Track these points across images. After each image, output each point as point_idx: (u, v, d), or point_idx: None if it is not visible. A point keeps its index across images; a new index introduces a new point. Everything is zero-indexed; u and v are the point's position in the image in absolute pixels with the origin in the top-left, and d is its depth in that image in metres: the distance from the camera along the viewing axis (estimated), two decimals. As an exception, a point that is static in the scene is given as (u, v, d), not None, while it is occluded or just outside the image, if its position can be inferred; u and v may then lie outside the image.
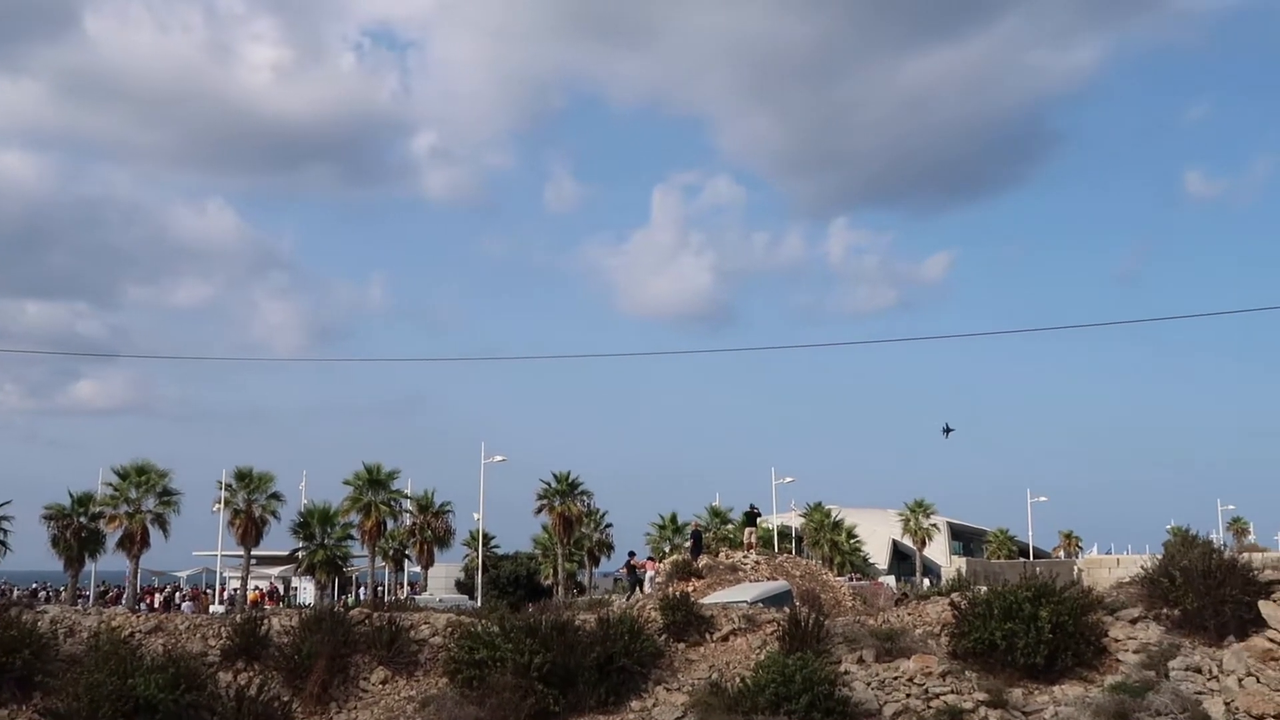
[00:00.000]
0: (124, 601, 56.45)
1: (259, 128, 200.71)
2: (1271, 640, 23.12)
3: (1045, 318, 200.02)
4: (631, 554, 45.75)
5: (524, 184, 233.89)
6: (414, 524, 69.89)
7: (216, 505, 60.32)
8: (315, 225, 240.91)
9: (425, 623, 27.27)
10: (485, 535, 71.22)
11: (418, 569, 77.21)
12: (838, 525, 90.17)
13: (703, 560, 39.38)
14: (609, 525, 74.82)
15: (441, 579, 78.60)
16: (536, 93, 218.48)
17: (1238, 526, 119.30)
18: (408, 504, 67.51)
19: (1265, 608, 23.68)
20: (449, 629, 26.60)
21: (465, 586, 73.86)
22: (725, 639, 25.98)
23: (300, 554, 62.02)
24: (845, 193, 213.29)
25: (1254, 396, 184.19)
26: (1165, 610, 24.79)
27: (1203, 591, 24.08)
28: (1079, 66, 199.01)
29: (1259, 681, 21.32)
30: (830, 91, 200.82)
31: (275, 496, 60.00)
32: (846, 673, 23.01)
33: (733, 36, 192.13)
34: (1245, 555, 28.55)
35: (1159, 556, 28.79)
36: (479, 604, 54.14)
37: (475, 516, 68.68)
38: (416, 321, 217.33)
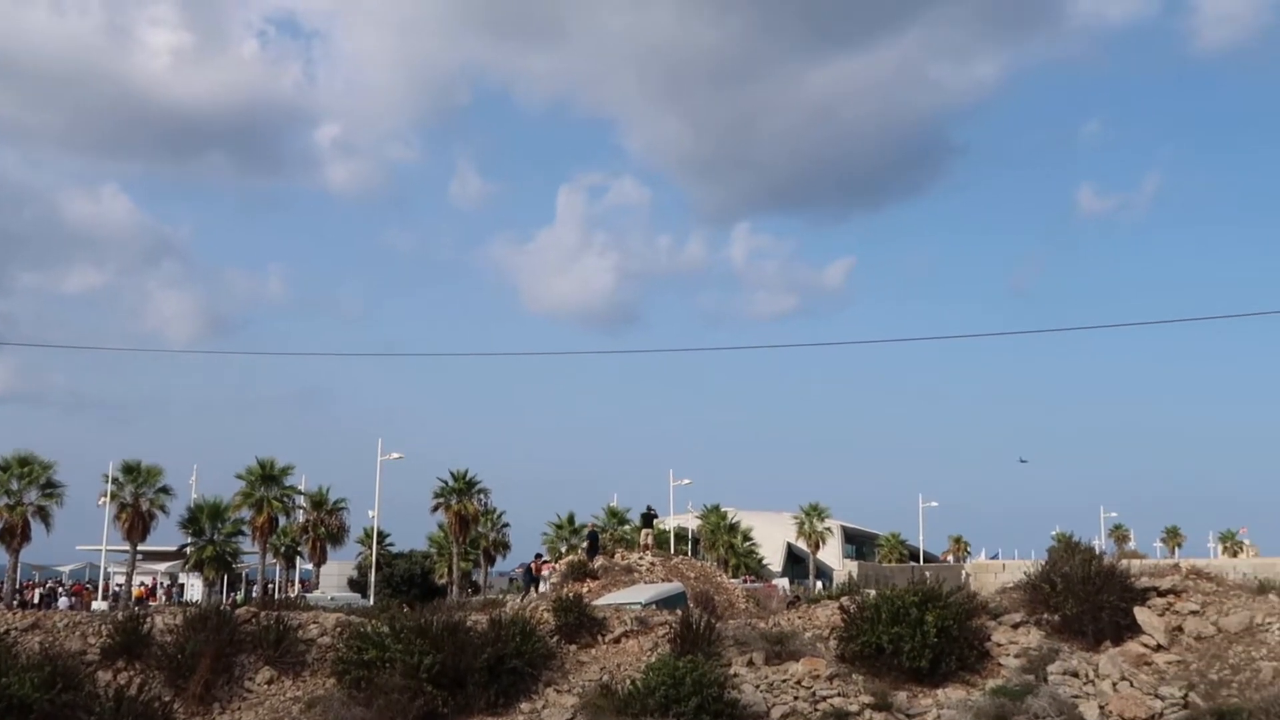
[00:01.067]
0: (2, 597, 54.62)
1: (156, 113, 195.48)
2: (1145, 645, 23.93)
3: (942, 327, 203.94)
4: (538, 555, 45.83)
5: (429, 179, 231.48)
6: (307, 520, 68.99)
7: (102, 498, 58.83)
8: (212, 214, 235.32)
9: (314, 622, 26.86)
10: (380, 533, 70.51)
11: (310, 566, 76.19)
12: (734, 528, 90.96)
13: (599, 561, 39.37)
14: (506, 525, 74.67)
15: (334, 577, 77.53)
16: (442, 87, 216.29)
17: (1119, 533, 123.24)
18: (301, 500, 66.59)
19: (1140, 614, 24.49)
20: (338, 629, 26.24)
21: (358, 585, 72.93)
22: (617, 641, 26.01)
23: (189, 549, 60.76)
24: (749, 197, 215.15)
25: (1138, 406, 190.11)
26: (1046, 615, 25.40)
27: (1082, 597, 24.75)
28: (979, 81, 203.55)
29: (1132, 685, 22.00)
30: (738, 97, 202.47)
31: (164, 490, 58.83)
32: (736, 675, 23.19)
33: (642, 39, 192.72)
34: (1124, 562, 29.38)
35: (1043, 562, 29.54)
36: (372, 603, 53.54)
37: (370, 514, 68.01)
38: (317, 314, 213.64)
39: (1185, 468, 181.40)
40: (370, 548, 68.86)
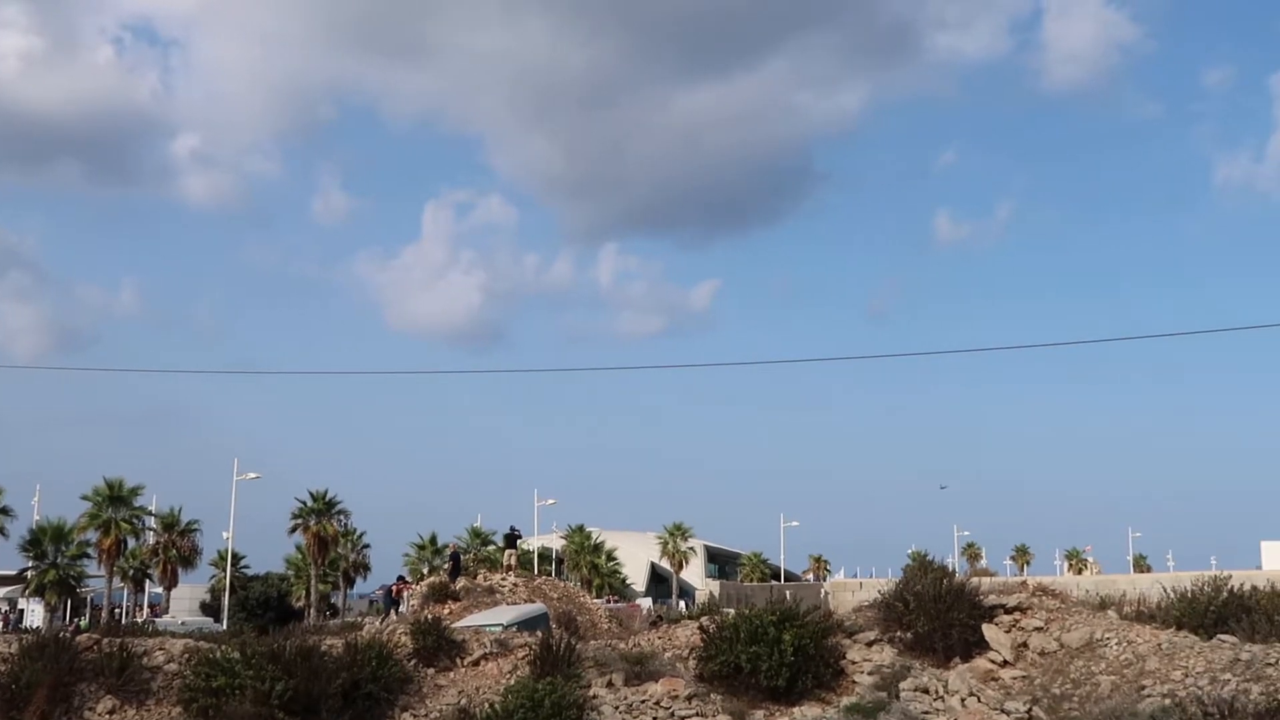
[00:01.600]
0: None
1: (4, 119, 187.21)
2: (992, 661, 24.66)
3: (805, 348, 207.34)
4: (400, 578, 45.18)
5: (291, 194, 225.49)
6: (157, 543, 66.95)
7: (-65, 521, 56.08)
8: (63, 225, 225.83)
9: (161, 649, 25.94)
10: (235, 555, 68.62)
11: (160, 590, 73.84)
12: (598, 548, 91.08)
13: (460, 582, 38.87)
14: (366, 546, 73.64)
15: (186, 601, 75.19)
16: (306, 101, 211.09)
17: (971, 552, 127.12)
18: (151, 521, 64.58)
19: (988, 631, 25.23)
20: (186, 655, 25.39)
21: (211, 609, 70.81)
22: (476, 664, 25.71)
23: (29, 573, 58.30)
24: (617, 219, 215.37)
25: (988, 427, 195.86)
26: (900, 633, 25.98)
27: (933, 615, 25.40)
28: (842, 111, 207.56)
29: (980, 701, 22.62)
30: (606, 119, 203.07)
31: (3, 511, 56.51)
32: (595, 697, 23.15)
33: (511, 58, 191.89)
34: (975, 580, 30.21)
35: (899, 580, 30.21)
36: (225, 627, 52.07)
37: (225, 535, 66.21)
38: (172, 330, 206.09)
39: (1035, 487, 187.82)
40: (224, 570, 66.95)
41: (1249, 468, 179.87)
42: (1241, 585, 27.91)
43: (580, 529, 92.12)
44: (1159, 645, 23.56)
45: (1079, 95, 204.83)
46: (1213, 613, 25.94)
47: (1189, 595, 27.41)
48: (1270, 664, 21.47)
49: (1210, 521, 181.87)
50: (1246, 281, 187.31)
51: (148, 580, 73.22)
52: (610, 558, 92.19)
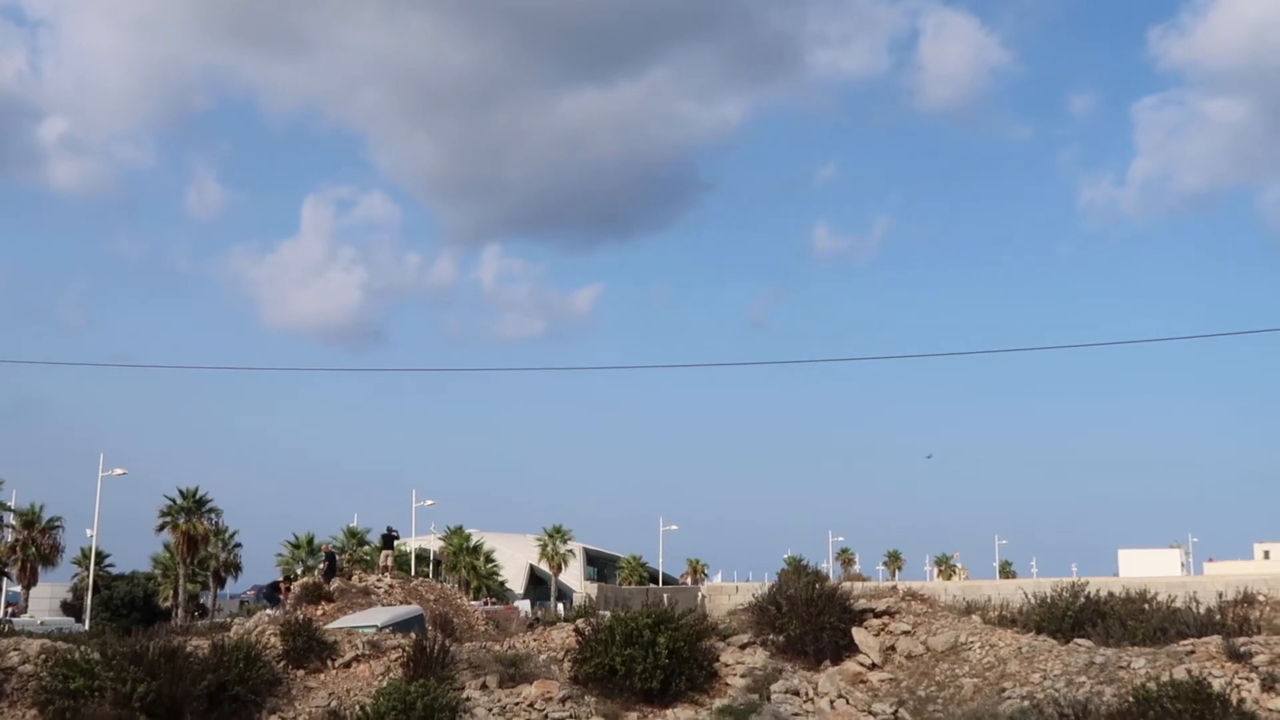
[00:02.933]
0: None
1: None
2: (861, 664, 25.20)
3: (685, 354, 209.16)
4: (286, 578, 44.56)
5: (164, 184, 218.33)
6: (16, 540, 64.75)
7: None
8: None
9: (15, 649, 25.03)
10: (99, 553, 66.71)
11: (18, 589, 71.34)
12: (476, 549, 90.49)
13: (335, 583, 38.35)
14: (238, 545, 72.17)
15: (46, 600, 72.84)
16: (180, 90, 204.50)
17: (845, 557, 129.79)
18: (10, 518, 62.45)
19: (857, 634, 25.77)
20: (42, 655, 24.56)
21: (73, 608, 68.62)
22: (348, 665, 25.37)
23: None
24: (500, 220, 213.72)
25: (864, 435, 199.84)
26: (772, 636, 26.37)
27: (805, 618, 25.84)
28: (725, 121, 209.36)
29: (848, 703, 23.08)
30: (488, 120, 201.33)
31: None
32: (469, 699, 23.04)
33: (393, 56, 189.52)
34: (848, 585, 30.83)
35: (773, 584, 30.69)
36: (87, 627, 50.53)
37: (89, 533, 64.19)
38: (37, 320, 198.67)
39: (908, 495, 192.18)
40: (87, 569, 64.95)
41: (1110, 480, 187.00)
42: (1098, 592, 29.00)
43: (459, 530, 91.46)
44: (1019, 649, 24.31)
45: (953, 115, 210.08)
46: (1070, 618, 26.92)
47: (1049, 601, 28.40)
48: (1123, 667, 22.34)
49: (1073, 531, 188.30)
50: (1109, 299, 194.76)
51: (5, 578, 70.74)
52: (489, 559, 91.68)
